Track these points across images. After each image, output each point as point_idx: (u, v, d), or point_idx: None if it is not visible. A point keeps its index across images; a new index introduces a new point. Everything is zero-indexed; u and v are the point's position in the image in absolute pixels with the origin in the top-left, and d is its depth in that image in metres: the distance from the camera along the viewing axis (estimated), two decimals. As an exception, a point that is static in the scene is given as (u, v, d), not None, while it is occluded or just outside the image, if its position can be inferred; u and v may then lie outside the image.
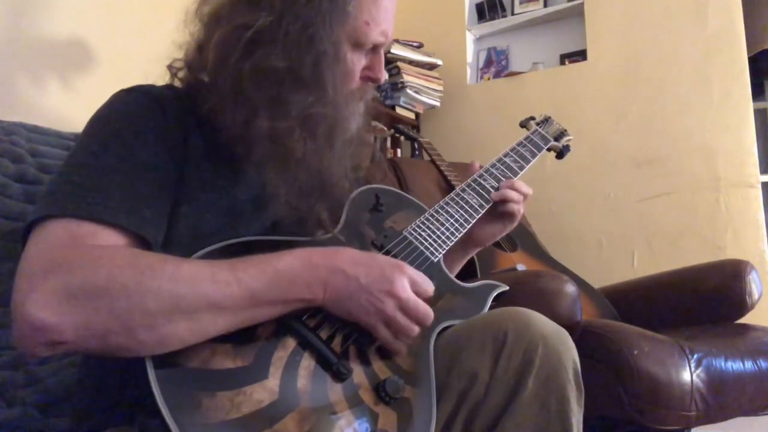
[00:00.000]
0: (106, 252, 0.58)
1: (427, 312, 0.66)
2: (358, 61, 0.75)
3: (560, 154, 1.13)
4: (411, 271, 0.67)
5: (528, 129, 1.12)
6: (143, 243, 0.63)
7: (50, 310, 0.52)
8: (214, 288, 0.57)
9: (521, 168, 1.00)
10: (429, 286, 0.68)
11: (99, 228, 0.60)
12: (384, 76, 0.79)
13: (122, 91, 0.72)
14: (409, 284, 0.66)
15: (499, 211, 0.94)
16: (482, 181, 0.95)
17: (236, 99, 0.69)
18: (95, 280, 0.54)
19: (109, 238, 0.60)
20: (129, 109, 0.69)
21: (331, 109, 0.72)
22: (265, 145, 0.70)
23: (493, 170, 0.98)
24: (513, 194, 0.93)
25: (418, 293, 0.66)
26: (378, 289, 0.64)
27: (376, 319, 0.65)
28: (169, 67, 0.78)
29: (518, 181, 0.96)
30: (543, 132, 1.10)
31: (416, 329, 0.66)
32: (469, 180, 0.95)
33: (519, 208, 0.94)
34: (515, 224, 0.97)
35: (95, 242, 0.59)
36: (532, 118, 1.16)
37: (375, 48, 0.77)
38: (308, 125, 0.71)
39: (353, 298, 0.64)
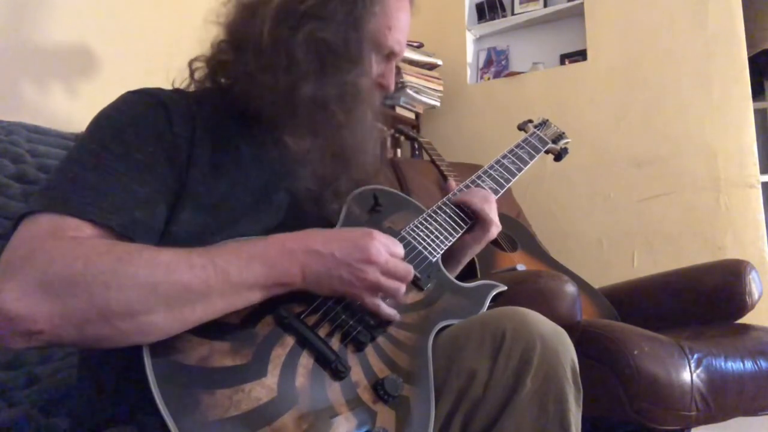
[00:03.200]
0: (85, 242, 0.58)
1: (408, 269, 0.69)
2: (374, 64, 0.80)
3: (558, 156, 1.14)
4: (381, 235, 0.68)
5: (526, 131, 1.13)
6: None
7: (24, 299, 0.52)
8: (190, 273, 0.57)
9: (519, 170, 1.01)
10: (399, 248, 0.70)
11: (84, 224, 0.60)
12: (393, 85, 0.84)
13: (129, 92, 0.73)
14: (383, 247, 0.67)
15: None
16: (480, 183, 0.95)
17: (287, 66, 0.73)
18: (72, 268, 0.54)
19: (93, 233, 0.60)
20: (133, 111, 0.70)
21: (367, 87, 0.77)
22: (308, 109, 0.74)
23: (492, 172, 0.98)
24: (466, 197, 0.90)
25: (392, 255, 0.68)
26: (355, 259, 0.65)
27: (360, 289, 0.66)
28: (190, 63, 0.81)
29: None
30: (541, 134, 1.11)
31: (403, 288, 0.69)
32: (467, 181, 0.96)
33: (482, 207, 0.89)
34: (485, 234, 0.91)
35: (77, 234, 0.59)
36: (530, 121, 1.17)
37: (389, 56, 0.81)
38: (348, 98, 0.75)
39: (333, 273, 0.64)
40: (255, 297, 0.61)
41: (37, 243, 0.57)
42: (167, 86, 0.79)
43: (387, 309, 0.69)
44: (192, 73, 0.81)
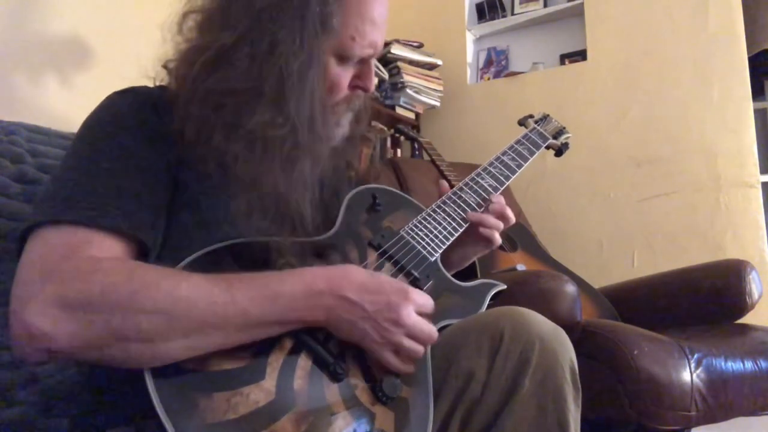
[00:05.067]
0: (101, 265, 0.58)
1: (432, 332, 0.67)
2: (344, 73, 0.75)
3: (559, 151, 1.13)
4: (415, 295, 0.67)
5: (526, 127, 1.12)
6: (140, 246, 0.63)
7: (47, 318, 0.53)
8: (210, 310, 0.57)
9: (519, 166, 0.99)
10: (431, 306, 0.68)
11: (95, 234, 0.60)
12: (373, 85, 0.78)
13: (115, 93, 0.72)
14: (414, 309, 0.66)
15: (475, 232, 0.89)
16: (480, 180, 0.94)
17: (197, 118, 0.68)
18: (89, 294, 0.55)
19: (105, 243, 0.60)
20: (122, 112, 0.69)
21: (290, 129, 0.69)
22: (217, 166, 0.68)
23: (491, 169, 0.97)
24: (491, 220, 0.88)
25: (421, 314, 0.66)
26: (384, 318, 0.64)
27: (382, 346, 0.65)
28: (165, 65, 0.77)
29: (505, 207, 0.90)
30: (541, 130, 1.09)
31: (422, 350, 0.67)
32: (466, 179, 0.95)
33: (494, 234, 0.89)
34: (489, 250, 0.92)
35: (91, 250, 0.59)
36: (531, 116, 1.15)
37: (363, 60, 0.76)
38: (264, 146, 0.68)
39: (358, 325, 0.63)
40: (274, 331, 0.61)
41: (52, 264, 0.57)
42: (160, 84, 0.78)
43: (400, 366, 0.66)
44: (169, 72, 0.77)
